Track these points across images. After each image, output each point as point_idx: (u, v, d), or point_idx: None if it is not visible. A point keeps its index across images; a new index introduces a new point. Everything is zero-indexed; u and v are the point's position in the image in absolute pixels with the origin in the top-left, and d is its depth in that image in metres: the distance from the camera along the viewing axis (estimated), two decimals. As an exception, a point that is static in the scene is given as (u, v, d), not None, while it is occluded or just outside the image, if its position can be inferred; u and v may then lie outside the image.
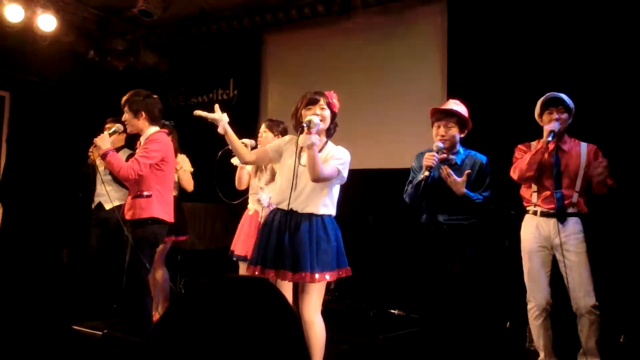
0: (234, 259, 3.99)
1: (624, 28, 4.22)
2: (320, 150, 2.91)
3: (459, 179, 3.20)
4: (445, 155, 3.31)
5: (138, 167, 3.43)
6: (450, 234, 3.29)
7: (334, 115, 2.97)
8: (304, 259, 2.80)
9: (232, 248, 4.06)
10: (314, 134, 2.77)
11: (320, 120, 2.85)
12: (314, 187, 2.87)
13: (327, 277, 2.84)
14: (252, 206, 4.07)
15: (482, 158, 3.37)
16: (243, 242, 3.96)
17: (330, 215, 2.94)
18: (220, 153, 3.75)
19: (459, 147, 3.39)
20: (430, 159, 3.21)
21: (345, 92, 5.47)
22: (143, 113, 3.58)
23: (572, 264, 3.25)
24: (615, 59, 4.25)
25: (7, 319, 1.15)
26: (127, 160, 3.70)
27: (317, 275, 2.80)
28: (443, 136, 3.30)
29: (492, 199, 3.30)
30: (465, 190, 3.21)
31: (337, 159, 2.89)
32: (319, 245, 2.83)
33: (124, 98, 3.61)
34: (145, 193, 3.50)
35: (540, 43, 4.53)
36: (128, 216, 3.51)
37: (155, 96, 3.70)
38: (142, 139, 3.63)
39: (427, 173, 3.20)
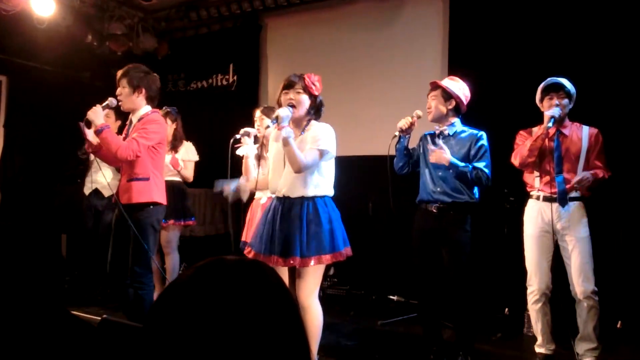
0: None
1: (628, 9, 4.17)
2: (303, 132, 2.96)
3: (439, 149, 3.24)
4: (415, 119, 3.40)
5: (137, 148, 3.28)
6: (439, 215, 3.29)
7: (314, 97, 2.94)
8: (293, 244, 2.81)
9: (244, 239, 3.99)
10: (285, 127, 2.79)
11: (293, 106, 2.87)
12: (298, 172, 2.87)
13: (319, 261, 2.82)
14: (262, 195, 4.01)
15: (478, 131, 3.38)
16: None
17: (323, 196, 2.92)
18: (232, 141, 3.72)
19: (453, 121, 3.39)
20: (403, 122, 3.36)
21: (346, 77, 5.49)
22: (143, 90, 3.44)
23: (573, 248, 3.25)
24: (618, 40, 4.20)
25: (4, 304, 1.14)
26: None
27: (310, 260, 2.80)
28: (429, 108, 3.40)
29: (487, 175, 3.26)
30: (451, 158, 3.22)
31: (317, 140, 2.86)
32: (309, 229, 2.82)
33: (121, 72, 3.45)
34: (142, 176, 3.38)
35: (542, 27, 4.49)
36: (124, 200, 3.39)
37: (155, 74, 3.57)
38: (134, 118, 3.49)
39: (396, 133, 3.38)
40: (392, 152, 3.50)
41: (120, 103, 3.45)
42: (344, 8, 5.59)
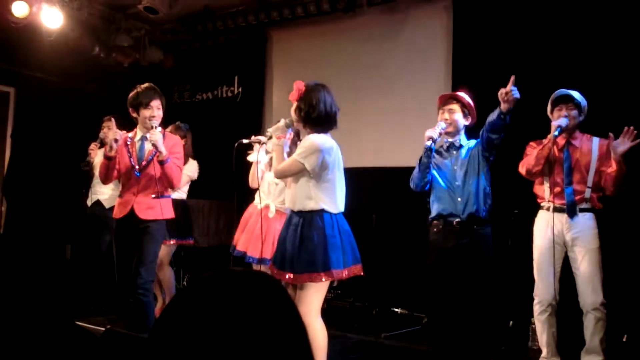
0: (234, 253, 3.94)
1: (635, 17, 4.18)
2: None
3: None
4: (444, 131, 3.32)
5: (180, 175, 3.64)
6: (461, 231, 3.26)
7: (297, 105, 2.88)
8: (287, 259, 2.81)
9: (234, 242, 4.00)
10: (278, 138, 2.97)
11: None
12: (293, 184, 2.90)
13: (309, 279, 2.75)
14: (262, 200, 4.00)
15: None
16: (247, 240, 3.91)
17: (320, 211, 2.81)
18: (236, 145, 3.25)
19: (462, 134, 3.39)
20: (432, 131, 3.25)
21: (349, 90, 5.50)
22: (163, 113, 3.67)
23: (582, 259, 3.24)
24: (626, 53, 4.20)
25: (10, 314, 1.15)
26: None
27: (304, 278, 2.75)
28: (446, 119, 3.33)
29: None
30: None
31: (297, 152, 2.83)
32: (302, 245, 2.77)
33: (157, 94, 3.55)
34: (168, 194, 3.62)
35: (547, 38, 4.50)
36: (147, 215, 3.48)
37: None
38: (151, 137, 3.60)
39: (428, 143, 3.24)
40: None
41: (154, 125, 3.52)
42: (349, 21, 5.62)
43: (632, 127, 3.16)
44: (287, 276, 2.78)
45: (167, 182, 3.50)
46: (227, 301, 0.76)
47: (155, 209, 3.48)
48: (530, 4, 4.61)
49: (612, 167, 3.21)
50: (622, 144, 3.15)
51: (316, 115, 2.84)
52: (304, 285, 2.80)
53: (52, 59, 5.77)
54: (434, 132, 3.25)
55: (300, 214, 2.84)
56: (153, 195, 3.49)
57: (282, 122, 2.93)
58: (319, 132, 2.88)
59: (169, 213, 3.62)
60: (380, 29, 5.51)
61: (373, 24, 5.54)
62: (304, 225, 2.80)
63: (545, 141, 3.33)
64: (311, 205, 2.82)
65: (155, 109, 3.49)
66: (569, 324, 3.47)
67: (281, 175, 2.94)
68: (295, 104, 2.90)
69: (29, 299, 1.19)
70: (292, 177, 2.90)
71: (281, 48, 6.23)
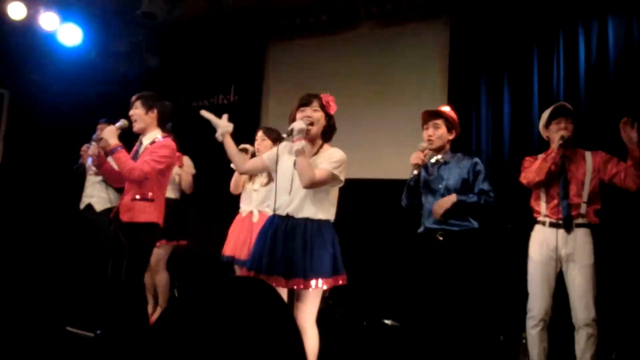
0: (223, 260, 4.05)
1: (624, 39, 4.24)
2: (316, 153, 2.90)
3: (442, 200, 3.22)
4: (428, 151, 3.34)
5: (148, 170, 3.39)
6: (445, 244, 3.27)
7: (329, 117, 2.93)
8: (297, 265, 2.75)
9: (222, 251, 4.11)
10: (298, 140, 2.78)
11: (311, 124, 2.85)
12: (308, 191, 2.82)
13: (322, 284, 2.76)
14: (245, 208, 4.12)
15: (473, 157, 3.41)
16: (234, 244, 4.03)
17: (327, 220, 2.87)
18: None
19: (448, 149, 3.42)
20: (417, 158, 3.27)
21: (345, 102, 5.43)
22: (155, 111, 3.57)
23: (576, 275, 3.25)
24: (621, 65, 4.26)
25: (1, 319, 1.14)
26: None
27: (312, 282, 2.73)
28: (430, 136, 3.35)
29: (493, 197, 3.30)
30: (455, 196, 3.22)
31: (332, 163, 2.81)
32: (313, 251, 2.76)
33: (136, 95, 3.58)
34: (148, 197, 3.46)
35: (543, 55, 4.55)
36: (126, 218, 3.43)
37: (167, 102, 3.71)
38: (144, 139, 3.58)
39: (415, 172, 3.26)
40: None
41: (133, 124, 3.54)
42: (347, 33, 5.66)
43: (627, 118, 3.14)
44: (293, 283, 2.75)
45: (123, 174, 3.42)
46: (224, 307, 0.75)
47: (132, 211, 3.42)
48: (527, 21, 4.67)
49: (628, 162, 3.20)
50: (632, 132, 3.12)
51: (334, 129, 2.97)
52: (304, 293, 2.79)
53: (48, 61, 5.75)
54: (419, 159, 3.27)
55: (305, 220, 2.82)
56: (133, 197, 3.45)
57: (304, 124, 2.83)
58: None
59: (152, 217, 3.47)
60: (377, 42, 5.54)
61: (371, 36, 5.58)
62: (313, 233, 2.79)
63: (548, 152, 3.35)
64: (320, 214, 2.84)
65: (133, 108, 3.55)
66: (560, 339, 3.47)
67: (313, 185, 2.78)
68: (324, 115, 2.91)
69: (19, 303, 1.18)
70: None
71: (279, 58, 6.25)
